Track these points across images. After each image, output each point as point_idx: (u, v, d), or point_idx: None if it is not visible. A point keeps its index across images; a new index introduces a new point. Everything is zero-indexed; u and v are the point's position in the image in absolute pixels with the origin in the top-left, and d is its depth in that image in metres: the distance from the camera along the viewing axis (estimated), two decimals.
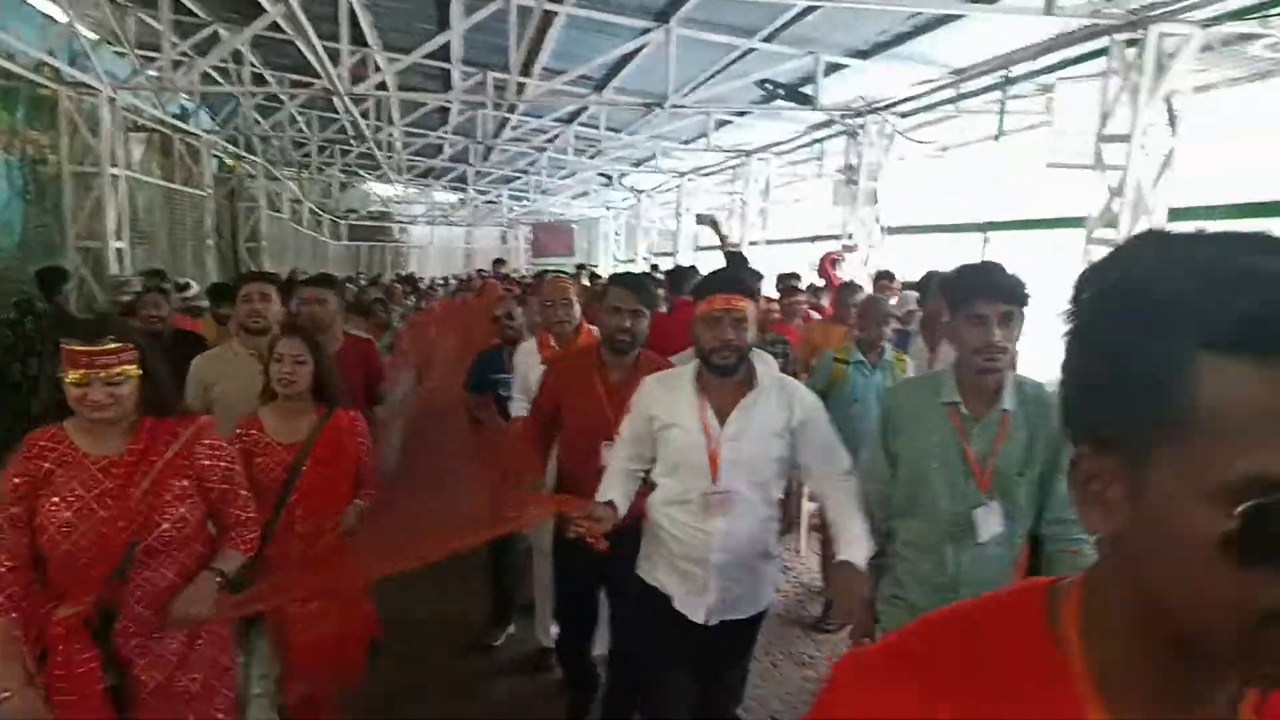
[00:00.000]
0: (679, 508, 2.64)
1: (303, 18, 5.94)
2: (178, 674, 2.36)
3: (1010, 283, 2.27)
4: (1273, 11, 5.03)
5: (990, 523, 2.35)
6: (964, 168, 8.72)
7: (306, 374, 3.04)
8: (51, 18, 8.42)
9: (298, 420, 3.07)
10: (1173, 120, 5.33)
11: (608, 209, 22.43)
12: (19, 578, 2.22)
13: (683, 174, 14.90)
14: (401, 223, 27.67)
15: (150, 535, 2.27)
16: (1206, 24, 5.02)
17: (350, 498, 3.10)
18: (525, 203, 23.00)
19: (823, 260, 8.91)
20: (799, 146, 11.02)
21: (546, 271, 6.93)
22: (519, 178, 19.02)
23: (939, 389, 2.43)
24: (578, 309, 3.94)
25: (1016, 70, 6.70)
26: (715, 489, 2.55)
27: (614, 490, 2.66)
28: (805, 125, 10.36)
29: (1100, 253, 3.21)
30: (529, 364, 3.98)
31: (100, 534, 2.21)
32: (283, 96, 12.26)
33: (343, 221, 25.28)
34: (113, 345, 2.22)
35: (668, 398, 2.66)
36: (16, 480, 2.24)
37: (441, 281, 18.25)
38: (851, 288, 5.87)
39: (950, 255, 7.57)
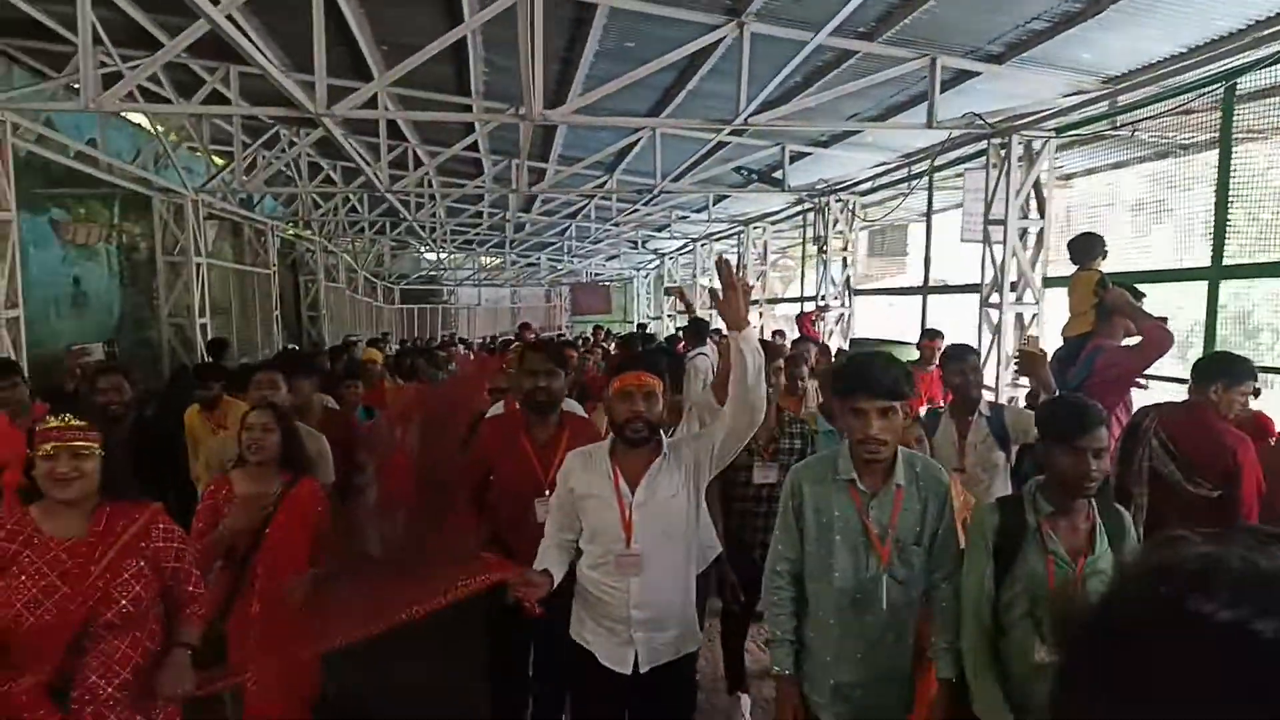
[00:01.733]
0: (599, 570, 2.84)
1: (339, 137, 7.39)
2: None
3: (888, 379, 2.45)
4: (1120, 120, 6.20)
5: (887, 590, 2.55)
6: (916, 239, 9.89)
7: (273, 442, 3.34)
8: (141, 126, 10.15)
9: (265, 484, 3.33)
10: (1041, 206, 6.49)
11: (638, 269, 23.90)
12: None
13: (695, 239, 16.28)
14: (449, 285, 29.47)
15: (108, 612, 2.39)
16: (1059, 131, 6.22)
17: (307, 562, 3.31)
18: (563, 265, 24.59)
19: (801, 318, 10.10)
20: (786, 217, 12.32)
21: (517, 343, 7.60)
22: (554, 243, 20.60)
23: (836, 468, 2.61)
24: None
25: (940, 160, 7.91)
26: (626, 551, 2.77)
27: (548, 560, 2.85)
28: (792, 199, 11.66)
29: (991, 316, 4.60)
30: None
31: (62, 610, 2.34)
32: (336, 179, 13.97)
33: (395, 286, 27.14)
34: (77, 424, 2.44)
35: (585, 471, 2.88)
36: None
37: (489, 340, 19.71)
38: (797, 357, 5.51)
39: (901, 314, 8.70)
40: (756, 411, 2.75)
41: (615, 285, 26.82)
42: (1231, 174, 4.82)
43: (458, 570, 2.71)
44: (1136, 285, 4.50)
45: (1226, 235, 4.85)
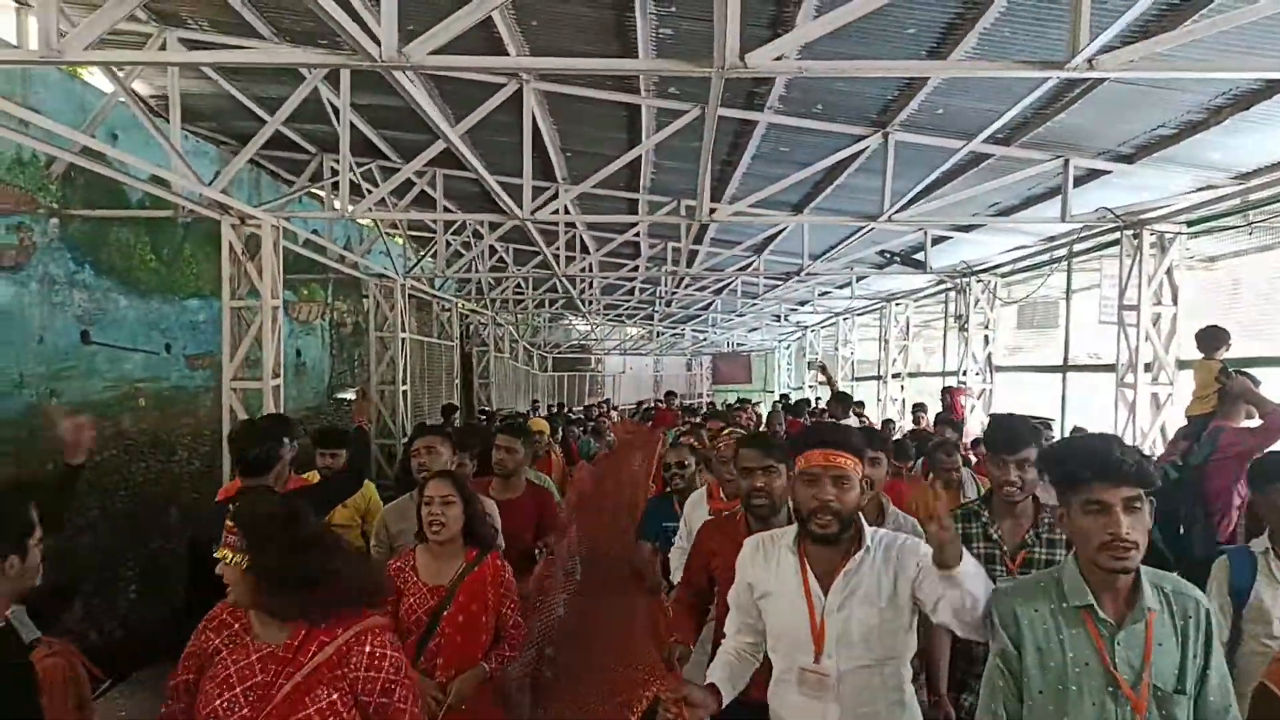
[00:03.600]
0: (785, 687, 2.39)
1: (535, 232, 8.57)
2: None
3: (1133, 460, 1.94)
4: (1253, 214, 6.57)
5: None
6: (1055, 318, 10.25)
7: (456, 515, 3.05)
8: (357, 222, 11.76)
9: (447, 562, 3.07)
10: (1174, 293, 6.89)
11: (780, 340, 24.58)
12: None
13: (837, 313, 16.90)
14: (598, 354, 30.95)
15: None
16: (1191, 224, 6.64)
17: (486, 649, 3.07)
18: (706, 336, 25.59)
19: (952, 392, 10.44)
20: (928, 295, 12.83)
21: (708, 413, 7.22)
22: (699, 315, 21.59)
23: (1062, 592, 2.05)
24: None
25: (1078, 246, 8.36)
26: (813, 667, 2.29)
27: (719, 671, 2.44)
28: (934, 279, 12.19)
29: (1127, 395, 5.23)
30: (697, 515, 3.81)
31: None
32: (508, 260, 15.44)
33: (548, 355, 28.79)
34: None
35: (766, 562, 2.44)
36: (190, 650, 2.23)
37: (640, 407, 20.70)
38: None
39: (1044, 390, 9.07)
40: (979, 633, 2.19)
41: (756, 355, 27.57)
42: None
43: (630, 685, 2.42)
44: (1251, 372, 4.94)
45: None
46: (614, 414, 17.46)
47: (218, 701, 2.03)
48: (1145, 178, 6.71)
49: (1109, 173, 6.71)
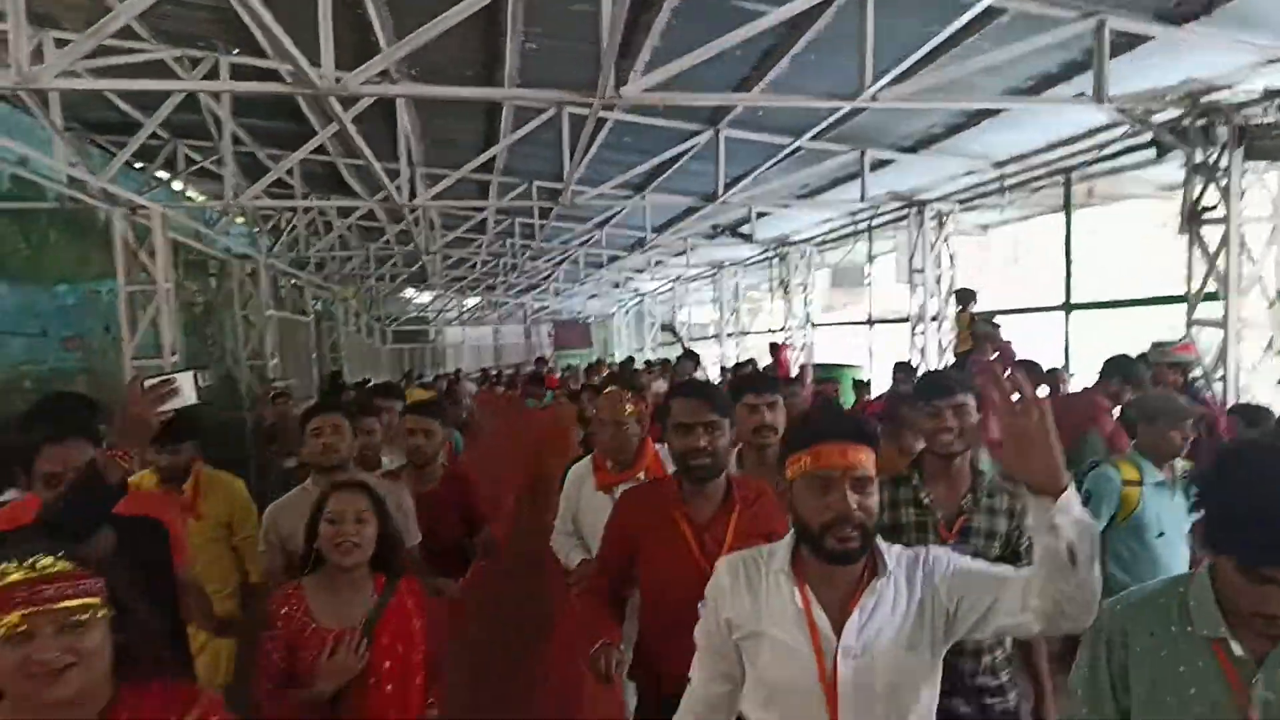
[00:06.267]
0: None
1: (410, 221, 9.20)
2: None
3: None
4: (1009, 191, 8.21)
5: None
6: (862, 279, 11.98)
7: (371, 537, 2.45)
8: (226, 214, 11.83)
9: (351, 596, 2.44)
10: (951, 258, 8.52)
11: (619, 305, 25.87)
12: None
13: (674, 280, 18.28)
14: (437, 326, 31.15)
15: None
16: (962, 202, 8.24)
17: (421, 702, 2.49)
18: (547, 304, 26.51)
19: (778, 348, 11.89)
20: (755, 261, 14.37)
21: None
22: (540, 285, 22.44)
23: (1188, 614, 1.63)
24: (636, 427, 3.21)
25: (876, 220, 9.93)
26: None
27: None
28: (759, 249, 13.68)
29: (919, 342, 7.02)
30: (579, 493, 3.30)
31: None
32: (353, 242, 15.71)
33: (388, 328, 28.76)
34: (62, 567, 1.40)
35: (750, 590, 1.87)
36: None
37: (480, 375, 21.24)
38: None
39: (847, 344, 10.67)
40: (1088, 614, 1.60)
41: (595, 322, 28.75)
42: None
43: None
44: (994, 319, 6.59)
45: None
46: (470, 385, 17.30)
47: None
48: (925, 166, 8.21)
49: (895, 161, 8.17)
